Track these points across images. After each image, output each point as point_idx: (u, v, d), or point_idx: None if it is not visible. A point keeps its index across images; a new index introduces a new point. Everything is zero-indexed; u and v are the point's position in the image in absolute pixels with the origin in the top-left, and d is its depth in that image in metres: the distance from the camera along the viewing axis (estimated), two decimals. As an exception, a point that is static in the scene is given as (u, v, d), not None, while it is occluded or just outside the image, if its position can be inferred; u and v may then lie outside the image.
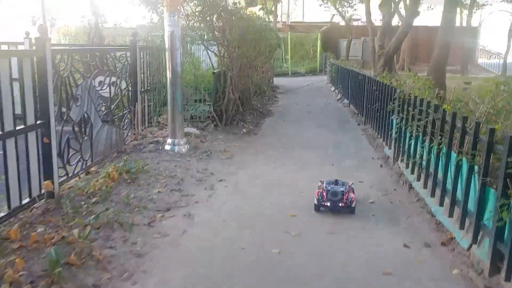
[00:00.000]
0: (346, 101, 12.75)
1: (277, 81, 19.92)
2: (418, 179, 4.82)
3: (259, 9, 26.96)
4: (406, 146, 5.43)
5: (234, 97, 8.02)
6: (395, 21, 20.41)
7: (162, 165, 5.72)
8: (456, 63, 28.22)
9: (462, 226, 3.56)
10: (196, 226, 4.04)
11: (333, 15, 29.43)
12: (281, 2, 31.71)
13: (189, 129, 7.19)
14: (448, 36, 9.84)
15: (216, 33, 7.78)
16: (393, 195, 4.99)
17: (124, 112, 6.59)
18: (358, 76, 10.36)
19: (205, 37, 7.86)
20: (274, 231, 3.95)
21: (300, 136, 8.18)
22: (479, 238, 3.30)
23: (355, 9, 26.75)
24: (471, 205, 3.48)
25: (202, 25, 7.58)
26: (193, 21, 7.55)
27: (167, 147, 6.34)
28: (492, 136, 3.13)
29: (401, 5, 20.90)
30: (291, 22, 35.46)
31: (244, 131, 8.20)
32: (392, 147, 6.17)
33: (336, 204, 4.28)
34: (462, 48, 26.71)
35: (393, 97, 6.36)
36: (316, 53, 25.49)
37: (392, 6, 15.53)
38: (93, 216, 3.71)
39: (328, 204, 4.30)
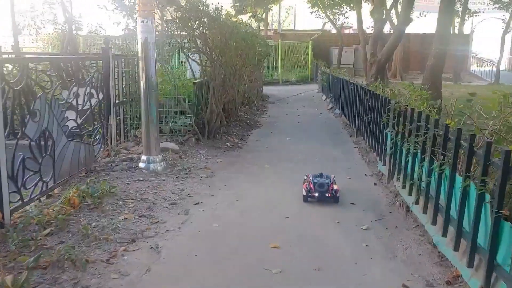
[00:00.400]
0: (337, 111, 12.28)
1: (267, 90, 19.44)
2: (417, 202, 4.30)
3: (249, 17, 26.61)
4: (403, 164, 4.92)
5: (217, 108, 7.50)
6: (387, 28, 20.11)
7: (133, 186, 5.16)
8: (449, 70, 27.90)
9: (470, 264, 3.04)
10: (162, 262, 3.48)
11: (325, 22, 29.16)
12: (272, 10, 31.39)
13: (167, 144, 6.64)
14: (444, 44, 9.42)
15: (198, 41, 7.27)
16: (388, 220, 4.47)
17: (96, 127, 6.04)
18: (349, 85, 9.89)
19: (186, 44, 7.33)
20: (252, 270, 3.41)
21: (288, 150, 7.66)
22: (492, 280, 2.78)
23: (346, 17, 26.47)
24: (482, 240, 2.96)
25: (183, 32, 7.07)
26: (173, 27, 7.03)
27: (141, 164, 5.79)
28: (508, 159, 2.62)
29: (393, 12, 20.60)
30: (282, 30, 35.13)
31: (229, 145, 7.67)
32: (387, 163, 5.67)
33: (323, 194, 4.86)
34: (454, 55, 26.43)
35: (387, 109, 5.87)
36: (307, 61, 25.10)
37: (384, 13, 15.15)
38: (33, 257, 3.13)
39: (316, 194, 4.86)
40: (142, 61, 5.56)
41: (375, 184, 5.71)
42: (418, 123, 4.37)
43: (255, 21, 25.67)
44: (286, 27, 43.79)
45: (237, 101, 9.76)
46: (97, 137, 6.14)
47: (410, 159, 4.61)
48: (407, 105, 5.03)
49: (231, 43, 7.43)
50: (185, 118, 7.28)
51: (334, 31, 27.26)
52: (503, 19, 26.06)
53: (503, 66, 27.83)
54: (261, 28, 28.63)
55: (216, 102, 7.46)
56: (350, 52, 27.92)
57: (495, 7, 25.23)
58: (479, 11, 27.27)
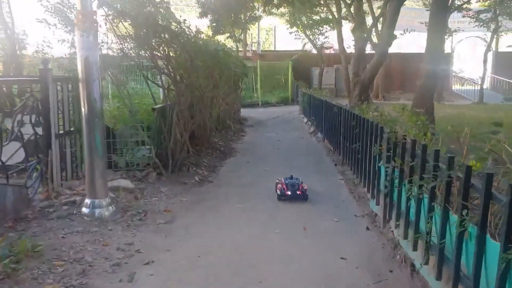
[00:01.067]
0: (320, 135, 11.41)
1: (246, 112, 18.54)
2: (426, 261, 3.35)
3: (226, 37, 25.91)
4: (403, 208, 3.99)
5: (182, 137, 6.50)
6: (368, 48, 19.53)
7: (68, 240, 4.11)
8: (431, 90, 27.60)
9: None
10: None
11: (305, 43, 28.57)
12: (250, 30, 30.82)
13: (120, 182, 5.61)
14: (435, 63, 8.67)
15: (159, 61, 6.33)
16: (389, 284, 3.51)
17: (30, 164, 4.99)
18: (332, 107, 9.04)
19: (145, 64, 6.38)
20: None
21: (265, 183, 6.68)
22: None
23: (326, 37, 25.91)
24: None
25: (141, 51, 6.11)
26: (129, 45, 6.08)
27: (85, 210, 4.74)
28: None
29: (373, 31, 20.07)
30: (261, 51, 34.54)
31: (197, 179, 6.66)
32: (381, 203, 4.74)
33: (295, 192, 5.74)
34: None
35: (378, 137, 4.97)
36: (288, 82, 24.37)
37: (365, 32, 14.50)
38: None
39: (289, 193, 5.72)
40: (83, 83, 4.56)
41: (368, 228, 4.76)
42: (425, 159, 3.45)
43: (233, 42, 24.92)
44: (267, 49, 43.32)
45: (209, 127, 8.78)
46: (34, 176, 5.10)
47: (413, 203, 3.68)
48: (405, 135, 4.12)
49: (197, 62, 6.50)
50: (145, 149, 6.27)
51: (314, 51, 26.62)
52: (483, 38, 25.84)
53: (486, 85, 27.53)
54: (239, 49, 27.95)
55: (181, 130, 6.47)
56: (331, 72, 27.36)
57: (476, 25, 25.04)
58: (459, 30, 27.05)
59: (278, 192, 5.77)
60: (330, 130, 9.57)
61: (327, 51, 29.01)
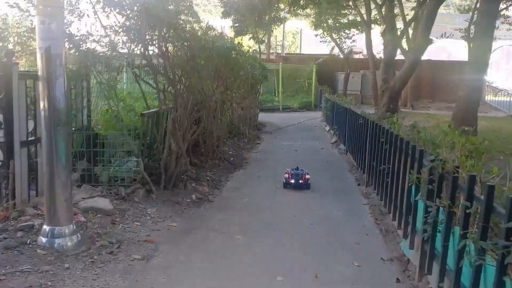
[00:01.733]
0: (342, 146, 10.32)
1: (265, 117, 17.57)
2: None
3: (249, 39, 24.98)
4: (451, 264, 2.91)
5: (178, 148, 5.53)
6: (397, 54, 18.27)
7: (4, 285, 3.17)
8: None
9: None
10: None
11: (333, 47, 27.25)
12: (274, 32, 29.87)
13: (97, 201, 4.66)
14: (480, 73, 7.51)
15: (155, 58, 5.39)
16: None
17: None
18: (358, 118, 7.95)
19: (138, 61, 5.44)
20: None
21: (274, 207, 5.66)
22: None
23: (353, 40, 24.70)
24: None
25: (133, 46, 5.18)
26: (118, 38, 5.14)
27: (42, 239, 3.81)
28: None
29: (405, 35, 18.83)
30: (286, 53, 33.51)
31: (194, 197, 5.67)
32: (417, 247, 3.66)
33: (298, 181, 6.57)
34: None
35: (416, 162, 3.91)
36: (311, 87, 23.25)
37: (396, 37, 13.32)
38: None
39: (293, 181, 6.57)
40: (43, 81, 3.63)
41: (398, 280, 3.68)
42: (490, 210, 2.38)
43: (255, 43, 23.98)
44: (294, 52, 42.25)
45: (216, 135, 7.82)
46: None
47: (469, 267, 2.61)
48: (457, 167, 3.04)
49: (200, 61, 5.53)
50: (133, 161, 5.32)
51: (341, 55, 25.41)
52: (522, 46, 24.22)
53: (522, 95, 25.89)
54: (263, 50, 27.02)
55: (178, 139, 5.50)
56: (357, 77, 26.14)
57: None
58: (496, 38, 25.46)
59: (284, 180, 6.63)
60: (354, 142, 8.48)
61: (356, 56, 27.78)
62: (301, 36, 41.90)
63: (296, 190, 6.54)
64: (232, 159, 8.38)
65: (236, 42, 10.03)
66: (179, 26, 5.19)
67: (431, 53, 27.74)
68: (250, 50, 12.37)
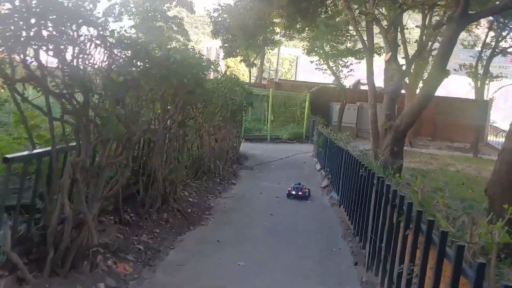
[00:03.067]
0: (335, 195, 8.37)
1: (249, 148, 15.64)
2: None
3: (240, 61, 23.30)
4: None
5: (76, 214, 3.53)
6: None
7: None
8: (465, 140, 24.38)
9: None
10: None
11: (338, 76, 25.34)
12: (268, 56, 28.21)
13: None
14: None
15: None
16: None
17: None
18: (357, 167, 6.03)
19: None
20: None
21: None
22: None
23: (351, 70, 23.09)
24: None
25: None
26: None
27: None
28: None
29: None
30: (279, 79, 31.80)
31: (103, 287, 3.65)
32: None
33: (298, 192, 8.21)
34: (471, 124, 22.96)
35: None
36: (304, 116, 21.42)
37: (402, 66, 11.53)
38: None
39: (294, 192, 8.20)
40: None
41: None
42: None
43: (246, 66, 22.26)
44: (290, 79, 40.64)
45: (168, 179, 5.83)
46: None
47: None
48: None
49: (124, 77, 3.60)
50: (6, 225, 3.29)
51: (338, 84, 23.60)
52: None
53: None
54: (253, 74, 25.30)
55: (81, 200, 3.51)
56: (353, 109, 24.42)
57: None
58: (502, 76, 23.93)
59: (287, 192, 8.24)
60: (351, 195, 6.54)
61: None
62: (297, 63, 40.40)
63: (276, 272, 4.53)
64: (190, 210, 6.36)
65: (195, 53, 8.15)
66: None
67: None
68: (229, 70, 10.52)
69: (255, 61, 23.85)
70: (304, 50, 22.14)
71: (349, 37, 21.89)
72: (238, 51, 21.28)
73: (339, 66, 22.92)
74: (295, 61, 40.84)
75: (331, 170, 9.38)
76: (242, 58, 22.11)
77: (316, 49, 21.70)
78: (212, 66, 6.97)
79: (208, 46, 38.28)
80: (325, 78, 27.37)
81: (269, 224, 6.35)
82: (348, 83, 26.76)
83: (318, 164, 12.75)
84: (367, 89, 25.33)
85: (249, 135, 18.10)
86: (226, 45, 20.90)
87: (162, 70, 4.23)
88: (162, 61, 4.15)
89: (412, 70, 22.83)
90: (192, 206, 6.56)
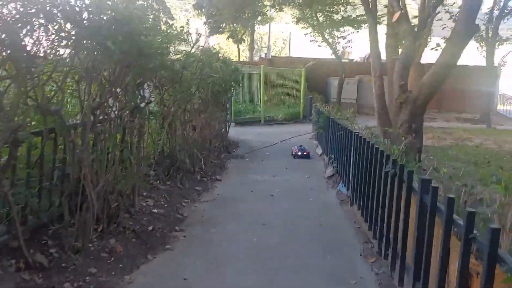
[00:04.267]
0: (343, 189, 6.70)
1: (241, 133, 13.95)
2: None
3: (227, 37, 21.39)
4: None
5: None
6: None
7: None
8: (474, 110, 22.66)
9: None
10: None
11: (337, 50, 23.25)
12: (259, 33, 26.22)
13: None
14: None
15: None
16: None
17: None
18: (379, 157, 4.35)
19: None
20: None
21: None
22: None
23: (348, 40, 21.21)
24: None
25: None
26: None
27: None
28: None
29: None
30: (272, 56, 29.83)
31: None
32: None
33: (303, 153, 9.97)
34: (481, 93, 21.27)
35: None
36: (300, 94, 19.62)
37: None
38: None
39: (299, 153, 9.97)
40: None
41: None
42: None
43: (233, 42, 20.35)
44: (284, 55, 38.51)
45: (115, 190, 4.14)
46: None
47: None
48: None
49: None
50: None
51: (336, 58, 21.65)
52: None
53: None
54: (244, 53, 23.39)
55: None
56: (352, 83, 22.63)
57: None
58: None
59: (293, 153, 10.16)
60: (367, 191, 4.88)
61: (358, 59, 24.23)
62: (290, 39, 38.31)
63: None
64: (152, 227, 4.68)
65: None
66: None
67: (430, 56, 24.36)
68: (202, 38, 8.72)
69: (243, 37, 21.88)
70: (294, 18, 20.10)
71: (345, 4, 19.97)
72: (224, 26, 19.35)
73: (336, 37, 21.03)
74: (288, 38, 38.76)
75: (337, 156, 7.68)
76: (228, 34, 20.21)
77: (308, 18, 19.76)
78: (169, 29, 5.18)
79: (197, 27, 36.14)
80: (322, 52, 25.45)
81: (259, 242, 4.67)
82: (356, 56, 24.86)
83: (319, 147, 11.06)
84: (369, 60, 23.46)
85: (241, 118, 16.36)
86: (211, 20, 18.93)
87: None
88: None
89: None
90: (156, 221, 4.87)
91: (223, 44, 30.86)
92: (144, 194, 5.46)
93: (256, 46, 30.86)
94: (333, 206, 6.22)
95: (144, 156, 5.04)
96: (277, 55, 38.07)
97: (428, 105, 22.65)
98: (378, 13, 15.39)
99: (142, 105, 4.83)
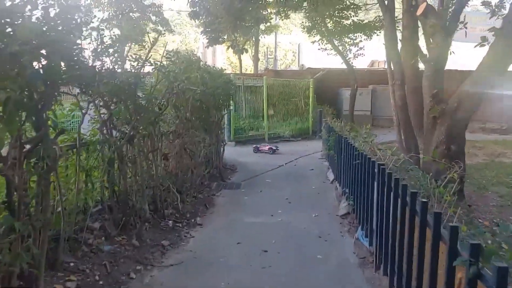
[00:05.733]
0: (364, 240, 4.85)
1: (242, 153, 12.25)
2: None
3: (227, 48, 19.74)
4: None
5: None
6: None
7: None
8: (498, 118, 20.50)
9: None
10: None
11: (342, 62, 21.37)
12: (263, 42, 24.53)
13: None
14: None
15: None
16: None
17: None
18: (418, 205, 2.53)
19: None
20: None
21: None
22: None
23: (360, 48, 19.41)
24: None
25: None
26: None
27: None
28: None
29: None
30: (278, 68, 28.07)
31: None
32: None
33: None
34: (507, 97, 19.19)
35: None
36: (308, 108, 17.82)
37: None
38: None
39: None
40: None
41: None
42: None
43: (234, 53, 18.69)
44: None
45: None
46: None
47: None
48: None
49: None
50: None
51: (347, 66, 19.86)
52: None
53: None
54: (246, 65, 21.70)
55: None
56: (366, 94, 20.84)
57: None
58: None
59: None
60: (401, 247, 3.07)
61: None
62: (299, 51, 36.65)
63: None
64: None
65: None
66: None
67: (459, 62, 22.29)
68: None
69: (245, 47, 20.14)
70: (304, 28, 18.41)
71: (354, 8, 18.25)
72: (222, 35, 17.69)
73: (346, 44, 19.26)
74: (297, 49, 37.12)
75: (353, 190, 5.84)
76: (229, 44, 18.56)
77: (316, 25, 18.06)
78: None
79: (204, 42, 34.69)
80: (333, 63, 23.62)
81: None
82: (360, 65, 22.95)
83: (331, 171, 9.23)
84: (383, 67, 21.50)
85: (243, 136, 14.59)
86: (209, 29, 17.29)
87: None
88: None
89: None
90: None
91: (233, 58, 29.23)
92: (71, 265, 3.70)
93: (261, 58, 29.18)
94: (350, 269, 4.37)
95: (49, 221, 3.28)
96: (286, 68, 36.39)
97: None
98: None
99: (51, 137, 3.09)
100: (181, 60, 6.53)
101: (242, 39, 19.17)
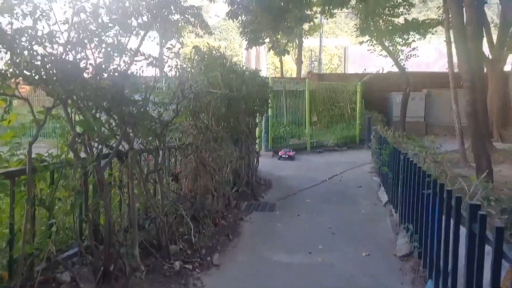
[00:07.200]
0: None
1: (280, 165, 10.97)
2: None
3: (268, 49, 18.50)
4: None
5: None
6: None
7: None
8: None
9: None
10: None
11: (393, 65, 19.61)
12: (307, 43, 23.14)
13: None
14: None
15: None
16: None
17: None
18: None
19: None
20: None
21: None
22: None
23: (413, 48, 17.62)
24: None
25: None
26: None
27: None
28: None
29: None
30: (322, 72, 26.55)
31: None
32: None
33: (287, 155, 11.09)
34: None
35: None
36: (355, 113, 16.25)
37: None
38: None
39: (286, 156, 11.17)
40: None
41: None
42: None
43: (275, 54, 17.40)
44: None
45: None
46: None
47: None
48: None
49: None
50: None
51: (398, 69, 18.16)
52: None
53: None
54: (288, 69, 20.38)
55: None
56: (419, 99, 19.05)
57: None
58: None
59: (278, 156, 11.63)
60: None
61: (413, 70, 20.38)
62: (345, 55, 34.89)
63: None
64: None
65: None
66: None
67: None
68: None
69: (287, 49, 18.78)
70: (356, 29, 16.90)
71: (407, 5, 16.58)
72: (263, 36, 16.46)
73: (397, 44, 17.56)
74: (344, 53, 35.39)
75: (419, 226, 4.38)
76: (270, 46, 17.32)
77: (364, 25, 16.52)
78: None
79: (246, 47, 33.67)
80: (382, 66, 21.87)
81: None
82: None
83: (383, 191, 7.75)
84: (444, 70, 19.56)
85: (281, 145, 13.23)
86: (247, 30, 16.11)
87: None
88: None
89: (495, 40, 17.27)
90: None
91: (277, 62, 28.00)
92: None
93: (305, 61, 27.80)
94: None
95: None
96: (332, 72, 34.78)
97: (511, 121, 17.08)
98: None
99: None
100: (201, 56, 5.33)
101: (283, 40, 17.83)
